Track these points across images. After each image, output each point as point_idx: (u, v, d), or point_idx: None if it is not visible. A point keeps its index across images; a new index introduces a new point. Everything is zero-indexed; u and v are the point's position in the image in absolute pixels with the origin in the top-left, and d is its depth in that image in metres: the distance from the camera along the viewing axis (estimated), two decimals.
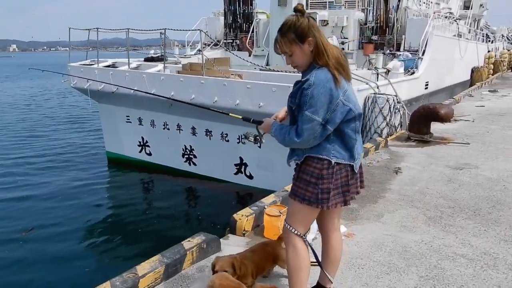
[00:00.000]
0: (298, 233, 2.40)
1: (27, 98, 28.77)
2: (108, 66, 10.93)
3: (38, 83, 39.47)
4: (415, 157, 6.44)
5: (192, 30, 12.61)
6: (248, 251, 2.79)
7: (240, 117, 2.81)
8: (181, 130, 10.01)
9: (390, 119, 7.84)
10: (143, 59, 11.74)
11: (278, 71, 8.97)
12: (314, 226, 3.76)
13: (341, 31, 12.56)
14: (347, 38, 12.51)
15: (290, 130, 2.28)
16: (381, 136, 7.64)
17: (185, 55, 13.65)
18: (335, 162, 2.27)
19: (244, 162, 9.30)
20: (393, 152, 6.76)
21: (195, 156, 10.13)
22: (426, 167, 5.93)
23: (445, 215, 4.25)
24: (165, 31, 9.49)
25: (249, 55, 13.66)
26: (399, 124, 8.25)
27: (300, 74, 2.34)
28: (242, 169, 9.39)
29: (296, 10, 2.25)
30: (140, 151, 11.27)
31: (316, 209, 2.35)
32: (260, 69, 9.53)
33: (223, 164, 9.56)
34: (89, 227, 8.07)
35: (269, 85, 7.75)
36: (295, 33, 2.22)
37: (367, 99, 8.00)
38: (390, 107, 7.81)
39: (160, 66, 9.88)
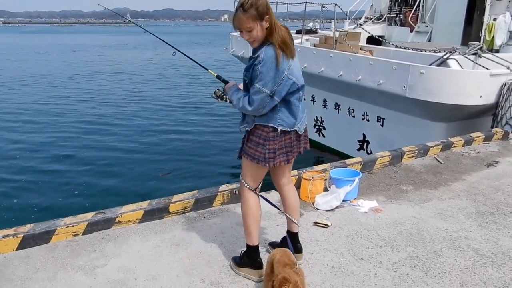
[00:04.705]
0: (249, 187, 2.84)
1: (212, 62, 32.89)
2: None
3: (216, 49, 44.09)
4: None
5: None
6: None
7: (215, 74, 3.08)
8: (315, 101, 10.50)
9: None
10: (294, 31, 12.39)
11: (412, 49, 8.57)
12: (340, 196, 4.01)
13: None
14: None
15: (243, 97, 2.65)
16: None
17: (342, 30, 13.81)
18: (280, 130, 2.65)
19: (366, 139, 9.33)
20: (508, 147, 6.04)
21: (324, 128, 10.56)
22: None
23: (500, 213, 3.89)
24: (305, 4, 9.87)
25: (411, 31, 13.09)
26: None
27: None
28: (364, 146, 9.44)
29: None
30: None
31: (264, 167, 2.76)
32: (396, 46, 9.20)
33: (347, 139, 9.77)
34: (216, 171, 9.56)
35: (390, 62, 7.62)
36: (256, 11, 2.50)
37: (503, 86, 7.14)
38: None
39: (300, 38, 10.42)
